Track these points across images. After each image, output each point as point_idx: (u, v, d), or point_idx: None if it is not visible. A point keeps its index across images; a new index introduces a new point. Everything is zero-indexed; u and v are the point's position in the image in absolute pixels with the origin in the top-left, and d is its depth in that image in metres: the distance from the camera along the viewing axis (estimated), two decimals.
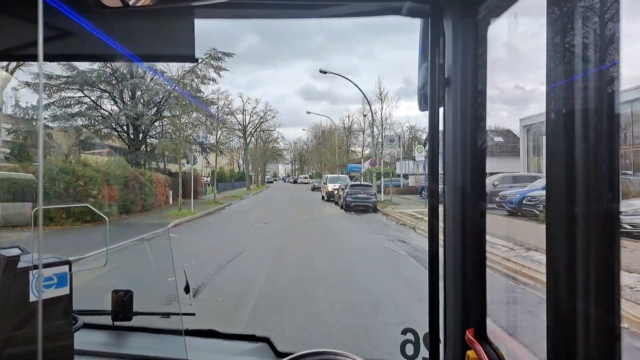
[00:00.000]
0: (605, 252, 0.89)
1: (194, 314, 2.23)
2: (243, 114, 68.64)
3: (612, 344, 0.89)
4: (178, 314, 2.09)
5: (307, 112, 59.94)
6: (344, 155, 77.76)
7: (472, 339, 1.54)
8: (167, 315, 2.33)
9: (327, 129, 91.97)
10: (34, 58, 1.48)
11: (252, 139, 77.25)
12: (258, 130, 73.48)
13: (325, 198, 39.58)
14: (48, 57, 1.46)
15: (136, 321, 2.22)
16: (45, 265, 1.61)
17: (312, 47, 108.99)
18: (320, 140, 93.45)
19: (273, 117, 72.62)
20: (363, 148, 70.69)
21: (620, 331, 0.89)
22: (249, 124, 70.40)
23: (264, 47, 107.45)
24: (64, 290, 1.66)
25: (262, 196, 47.98)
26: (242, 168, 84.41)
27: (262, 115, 71.29)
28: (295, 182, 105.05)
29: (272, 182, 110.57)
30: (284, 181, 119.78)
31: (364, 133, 69.00)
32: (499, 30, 1.53)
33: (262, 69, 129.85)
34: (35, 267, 1.56)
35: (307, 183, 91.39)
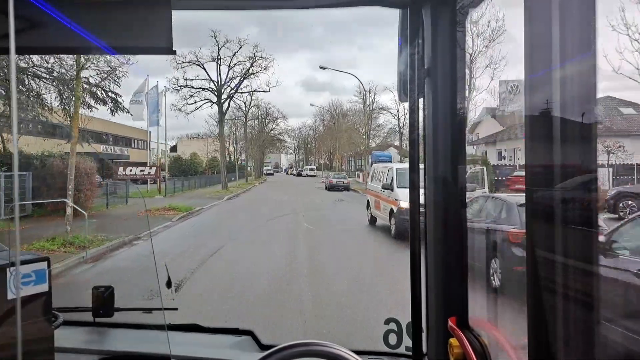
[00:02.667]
0: (584, 243, 0.90)
1: (176, 309, 2.21)
2: (217, 63, 41.76)
3: (591, 330, 0.90)
4: (160, 309, 2.08)
5: (321, 67, 39.73)
6: (366, 141, 52.69)
7: (454, 327, 1.56)
8: (149, 310, 2.32)
9: (333, 110, 71.76)
10: (4, 51, 1.47)
11: (242, 114, 56.17)
12: (242, 90, 46.00)
13: (390, 230, 14.68)
14: (21, 50, 1.45)
15: (118, 317, 2.21)
16: (24, 262, 1.59)
17: (312, 39, 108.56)
18: (335, 119, 70.19)
19: (265, 68, 43.29)
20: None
21: (598, 319, 0.90)
22: (228, 81, 43.29)
23: (264, 38, 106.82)
24: (43, 287, 1.64)
25: (235, 206, 26.32)
26: (232, 157, 64.68)
27: (248, 65, 42.55)
28: (299, 174, 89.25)
29: (272, 174, 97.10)
30: (286, 173, 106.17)
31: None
32: (477, 20, 1.52)
33: (262, 62, 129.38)
34: (13, 264, 1.55)
35: (314, 176, 77.56)
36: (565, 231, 0.91)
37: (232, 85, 44.39)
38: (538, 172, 0.98)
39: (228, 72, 43.28)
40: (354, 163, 74.87)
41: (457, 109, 1.60)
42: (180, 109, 42.52)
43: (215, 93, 42.82)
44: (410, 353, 1.74)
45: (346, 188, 39.87)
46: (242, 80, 44.23)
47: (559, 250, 0.92)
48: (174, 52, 1.49)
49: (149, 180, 33.51)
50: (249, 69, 43.39)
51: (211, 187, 42.39)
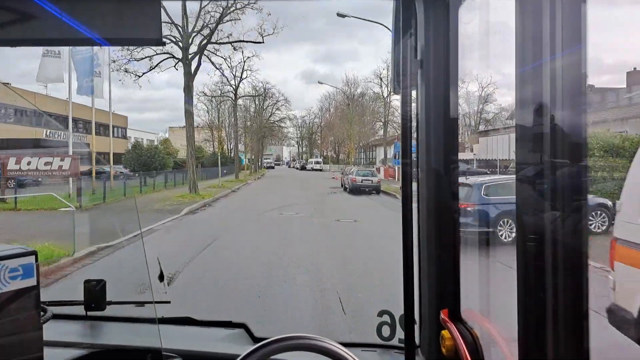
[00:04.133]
0: (573, 239, 0.90)
1: (169, 302, 2.21)
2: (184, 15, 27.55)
3: (581, 323, 0.91)
4: (152, 302, 2.08)
5: (339, 14, 24.33)
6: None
7: (447, 319, 1.57)
8: (141, 303, 2.32)
9: (348, 88, 57.59)
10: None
11: (230, 89, 43.98)
12: (220, 39, 30.42)
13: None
14: (11, 42, 1.46)
15: (110, 311, 2.21)
16: (11, 256, 1.58)
17: (313, 30, 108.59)
18: (350, 99, 55.88)
19: (254, 2, 28.94)
20: None
21: (588, 311, 0.91)
22: (199, 28, 28.54)
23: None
24: (31, 282, 1.63)
25: (180, 239, 14.19)
26: (224, 146, 57.34)
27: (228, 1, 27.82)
28: (303, 168, 78.55)
29: (272, 167, 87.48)
30: (289, 166, 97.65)
31: None
32: (470, 10, 1.53)
33: (262, 52, 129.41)
34: (1, 258, 1.55)
35: (320, 170, 68.95)
36: (555, 224, 0.91)
37: (205, 32, 28.90)
38: (528, 165, 0.97)
39: (199, 12, 28.11)
40: (365, 155, 65.70)
41: (450, 100, 1.60)
42: (126, 70, 28.61)
43: (180, 44, 27.52)
44: (403, 345, 1.75)
45: (376, 190, 28.10)
46: (219, 21, 28.52)
47: (549, 243, 0.92)
48: (164, 44, 1.49)
49: (71, 179, 21.24)
50: (230, 5, 27.92)
51: (179, 188, 29.03)
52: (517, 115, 0.98)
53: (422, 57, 1.61)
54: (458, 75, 1.60)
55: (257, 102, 55.97)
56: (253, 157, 65.34)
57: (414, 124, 1.65)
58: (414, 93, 1.64)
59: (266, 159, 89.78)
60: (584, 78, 0.87)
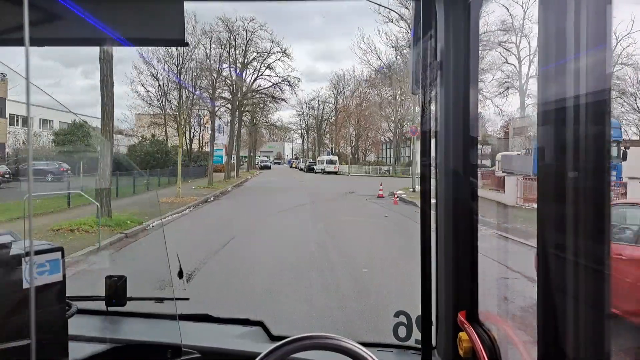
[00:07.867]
0: (594, 240, 0.89)
1: (187, 299, 2.25)
2: None
3: (600, 326, 0.90)
4: (172, 299, 2.11)
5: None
6: None
7: (464, 320, 1.56)
8: (161, 300, 2.35)
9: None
10: (19, 42, 1.49)
11: None
12: None
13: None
14: (36, 42, 1.48)
15: (130, 306, 2.24)
16: (38, 252, 1.62)
17: (312, 29, 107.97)
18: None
19: None
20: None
21: (609, 313, 0.89)
22: None
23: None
24: (57, 277, 1.67)
25: None
26: (191, 141, 38.75)
27: None
28: (310, 169, 58.17)
29: (268, 167, 71.08)
30: (290, 166, 78.74)
31: None
32: (490, 12, 1.53)
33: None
34: (28, 254, 1.58)
35: (336, 173, 51.58)
36: (577, 225, 0.90)
37: None
38: (550, 165, 0.97)
39: None
40: (393, 153, 46.24)
41: (469, 101, 1.60)
42: None
43: None
44: (419, 346, 1.75)
45: None
46: None
47: (569, 245, 0.91)
48: (187, 44, 1.51)
49: None
50: None
51: None
52: (539, 115, 0.98)
53: (441, 59, 1.61)
54: (479, 75, 1.60)
55: (229, 50, 32.13)
56: (247, 154, 49.18)
57: (432, 124, 1.65)
58: (432, 94, 1.64)
59: (264, 156, 76.71)
60: (608, 77, 0.86)
